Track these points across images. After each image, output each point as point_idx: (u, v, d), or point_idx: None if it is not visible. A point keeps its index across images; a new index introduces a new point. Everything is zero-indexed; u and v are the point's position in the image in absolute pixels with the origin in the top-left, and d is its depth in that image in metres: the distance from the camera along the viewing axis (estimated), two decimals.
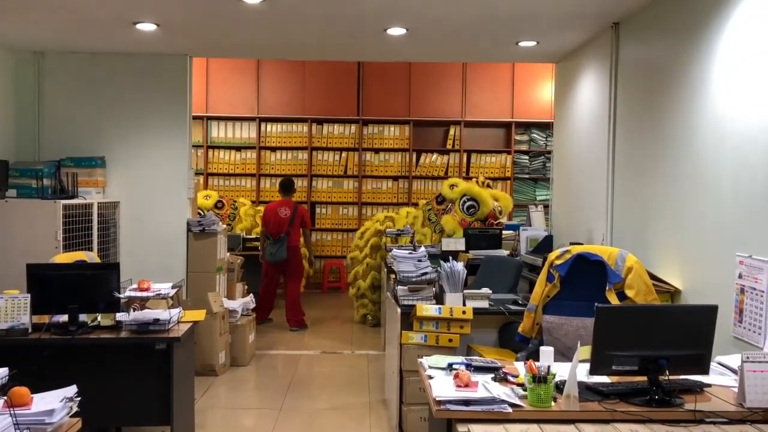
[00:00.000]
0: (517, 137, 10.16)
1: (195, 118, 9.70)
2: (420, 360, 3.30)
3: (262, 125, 10.07)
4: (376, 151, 10.12)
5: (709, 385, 2.92)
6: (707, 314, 2.81)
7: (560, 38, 5.89)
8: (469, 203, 7.53)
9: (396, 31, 5.62)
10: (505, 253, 6.82)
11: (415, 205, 9.03)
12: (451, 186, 7.73)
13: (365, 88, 10.06)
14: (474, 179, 8.12)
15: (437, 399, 2.69)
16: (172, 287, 4.11)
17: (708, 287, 3.89)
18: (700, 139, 4.04)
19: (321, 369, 6.35)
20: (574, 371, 2.69)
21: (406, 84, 10.06)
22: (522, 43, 6.05)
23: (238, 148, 10.09)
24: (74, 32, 5.87)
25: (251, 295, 6.87)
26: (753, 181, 3.48)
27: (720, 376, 3.08)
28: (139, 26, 5.54)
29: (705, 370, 2.83)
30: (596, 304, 2.76)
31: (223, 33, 5.82)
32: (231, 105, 10.01)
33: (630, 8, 4.93)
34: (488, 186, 8.01)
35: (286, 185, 7.87)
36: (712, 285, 3.84)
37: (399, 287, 4.72)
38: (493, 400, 2.66)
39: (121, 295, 3.97)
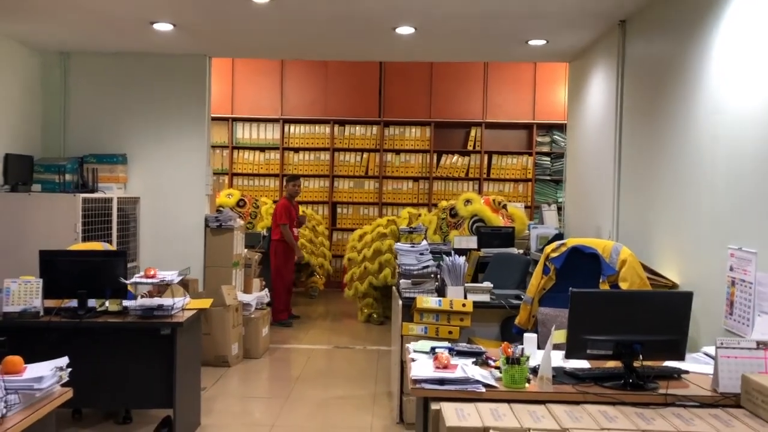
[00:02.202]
0: (539, 139, 10.15)
1: (220, 119, 9.99)
2: (407, 345, 3.38)
3: (286, 126, 10.25)
4: (397, 152, 10.21)
5: (687, 372, 2.94)
6: (682, 300, 2.83)
7: (569, 37, 5.92)
8: (477, 224, 7.57)
9: (404, 30, 5.72)
10: (516, 251, 6.84)
11: (435, 205, 9.08)
12: (466, 202, 7.77)
13: (387, 89, 10.17)
14: (492, 199, 8.05)
15: (413, 378, 2.77)
16: (178, 274, 4.25)
17: (703, 281, 3.89)
18: (697, 134, 4.05)
19: (331, 362, 6.46)
20: (548, 354, 2.75)
21: (427, 85, 10.14)
22: (531, 42, 6.09)
23: (262, 149, 10.28)
24: (97, 33, 6.11)
25: (266, 290, 7.02)
26: (743, 175, 3.49)
27: (704, 366, 3.09)
28: (156, 26, 5.74)
29: (681, 356, 2.86)
30: (570, 288, 2.81)
31: (235, 33, 6.00)
32: (255, 107, 10.21)
33: (636, 6, 4.95)
34: (504, 207, 7.97)
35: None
36: (707, 278, 3.84)
37: (402, 280, 4.81)
38: (467, 380, 2.73)
39: (128, 281, 4.13)
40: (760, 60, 3.38)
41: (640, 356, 2.77)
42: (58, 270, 4.14)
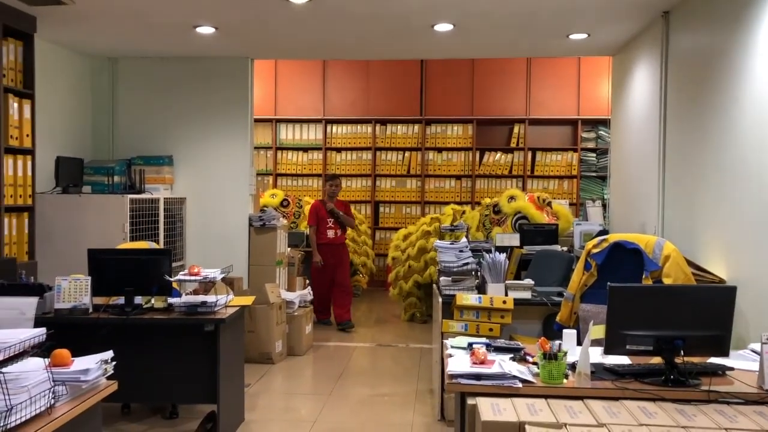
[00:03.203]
0: (584, 135, 10.01)
1: (264, 120, 10.13)
2: (445, 341, 3.38)
3: (328, 127, 10.33)
4: (439, 150, 10.19)
5: (733, 369, 2.87)
6: (725, 295, 2.77)
7: (611, 30, 5.82)
8: (521, 222, 7.48)
9: (443, 27, 5.72)
10: (559, 248, 6.76)
11: (478, 203, 9.04)
12: (510, 198, 7.69)
13: (428, 87, 10.17)
14: (536, 196, 7.95)
15: (450, 373, 2.78)
16: (221, 272, 4.33)
17: (752, 276, 3.78)
18: (743, 127, 3.94)
19: (374, 360, 6.50)
20: (586, 349, 2.72)
21: (469, 82, 10.10)
22: (573, 36, 6.01)
23: (305, 149, 10.39)
24: (142, 38, 6.27)
25: (309, 288, 7.09)
26: None
27: (751, 363, 3.01)
28: (199, 30, 5.86)
29: (725, 353, 2.79)
30: (608, 283, 2.77)
31: (275, 34, 6.08)
32: (298, 107, 10.32)
33: None
34: (549, 204, 7.86)
35: None
36: (756, 274, 3.74)
37: (442, 277, 4.80)
38: (503, 376, 2.72)
39: (172, 278, 4.23)
40: None
41: (682, 352, 2.71)
42: (106, 268, 4.26)
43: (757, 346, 3.16)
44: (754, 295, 3.65)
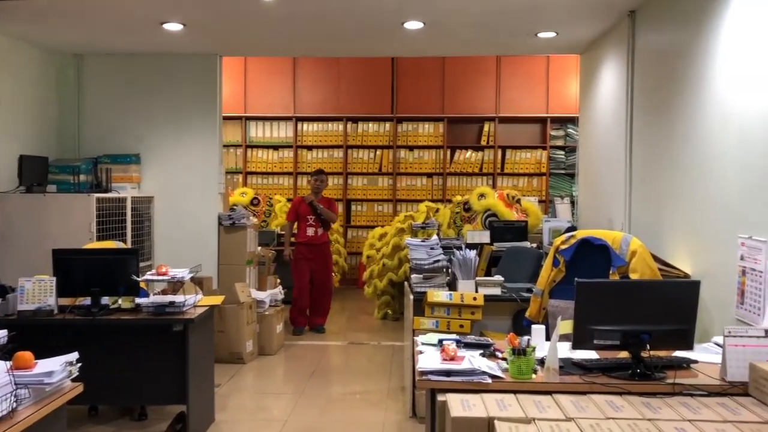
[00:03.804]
0: (553, 132, 10.10)
1: (233, 118, 10.04)
2: (416, 338, 3.39)
3: (299, 124, 10.28)
4: (411, 148, 10.21)
5: (697, 362, 2.92)
6: (689, 290, 2.82)
7: (579, 28, 5.89)
8: (491, 219, 7.54)
9: (413, 25, 5.72)
10: (529, 245, 6.82)
11: (449, 201, 9.07)
12: (480, 196, 7.73)
13: (399, 85, 10.17)
14: (506, 193, 7.98)
15: (420, 370, 2.78)
16: (189, 272, 4.29)
17: (715, 271, 3.85)
18: (706, 125, 4.01)
19: (347, 358, 6.49)
20: (555, 345, 2.74)
21: (440, 81, 10.13)
22: (541, 35, 6.07)
23: (275, 147, 10.33)
24: (109, 34, 6.18)
25: (280, 287, 7.06)
26: (753, 164, 3.45)
27: (713, 355, 3.07)
28: (167, 26, 5.79)
29: (689, 346, 2.84)
30: (576, 279, 2.80)
31: (245, 31, 6.04)
32: (268, 105, 10.25)
33: None
34: (518, 201, 7.92)
35: None
36: (718, 268, 3.80)
37: (413, 275, 4.81)
38: (473, 372, 2.73)
39: (140, 278, 4.17)
40: (763, 49, 3.34)
41: (648, 346, 2.75)
42: (72, 268, 4.20)
43: (720, 339, 3.22)
44: (717, 289, 3.72)
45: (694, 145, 4.17)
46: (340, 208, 10.16)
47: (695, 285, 2.82)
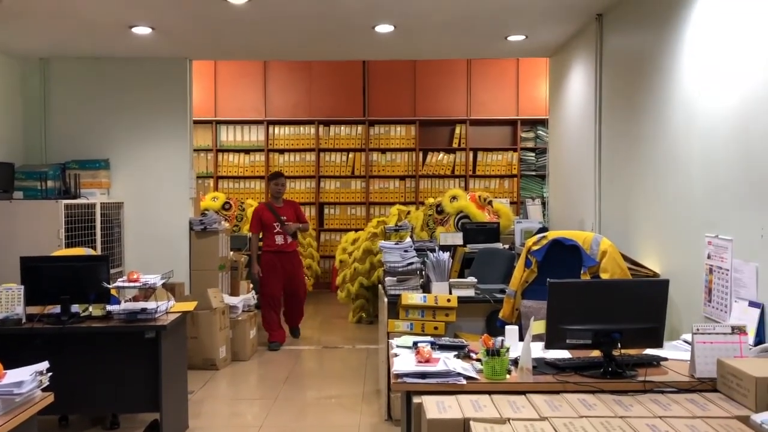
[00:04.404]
0: (523, 134, 10.19)
1: (204, 122, 9.96)
2: (391, 341, 3.40)
3: (270, 128, 10.24)
4: (383, 151, 10.22)
5: (666, 359, 2.97)
6: (659, 289, 2.86)
7: (548, 32, 5.95)
8: (463, 221, 7.59)
9: (384, 29, 5.74)
10: (501, 246, 6.87)
11: (422, 203, 9.10)
12: (452, 198, 7.79)
13: (371, 88, 10.19)
14: (478, 195, 8.05)
15: (395, 373, 2.79)
16: (161, 277, 4.25)
17: (683, 270, 3.92)
18: (672, 126, 4.09)
19: (321, 362, 6.47)
20: (528, 345, 2.77)
21: (411, 84, 10.16)
22: (511, 38, 6.12)
23: (246, 151, 10.26)
24: (76, 38, 6.08)
25: (253, 291, 7.01)
26: (717, 164, 3.52)
27: (683, 353, 3.12)
28: (135, 30, 5.73)
29: (659, 344, 2.89)
30: (548, 280, 2.83)
31: (215, 35, 6.00)
32: (239, 109, 10.19)
33: None
34: (490, 203, 7.99)
35: None
36: (686, 267, 3.88)
37: (387, 278, 4.82)
38: (448, 373, 2.75)
39: (110, 285, 4.12)
40: (730, 50, 3.42)
41: (619, 345, 2.80)
42: (40, 276, 4.13)
43: (688, 337, 3.28)
44: (685, 288, 3.79)
45: (662, 145, 4.25)
46: (313, 211, 10.14)
47: (664, 284, 2.87)
